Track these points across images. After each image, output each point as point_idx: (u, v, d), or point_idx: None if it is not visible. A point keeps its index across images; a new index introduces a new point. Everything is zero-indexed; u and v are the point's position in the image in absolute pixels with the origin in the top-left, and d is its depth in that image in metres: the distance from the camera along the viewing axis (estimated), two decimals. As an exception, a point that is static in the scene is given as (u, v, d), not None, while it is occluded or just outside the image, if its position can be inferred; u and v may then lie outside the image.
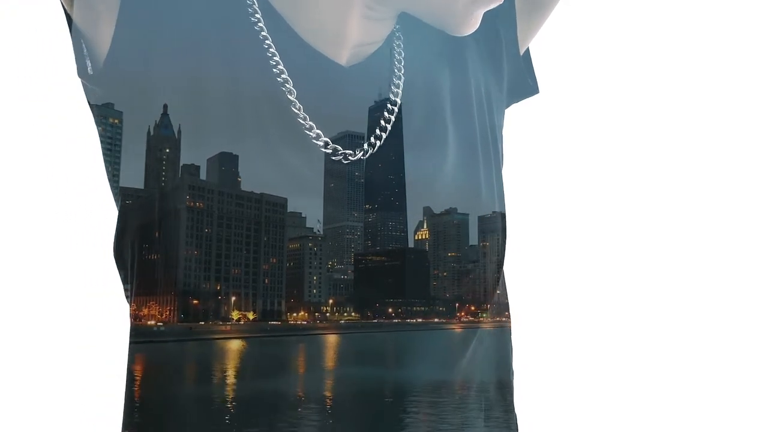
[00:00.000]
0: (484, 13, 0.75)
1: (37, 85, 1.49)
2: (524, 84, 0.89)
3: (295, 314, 0.75)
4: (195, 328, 0.72)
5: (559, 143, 1.93)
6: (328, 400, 0.70)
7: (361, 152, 0.74)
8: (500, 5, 0.73)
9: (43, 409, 1.50)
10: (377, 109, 0.76)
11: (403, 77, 0.78)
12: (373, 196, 0.77)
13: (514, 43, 0.86)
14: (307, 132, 0.72)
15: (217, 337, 0.72)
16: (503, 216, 0.83)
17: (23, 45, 1.48)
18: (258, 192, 0.73)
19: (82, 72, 0.75)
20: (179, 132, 0.73)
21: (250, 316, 0.73)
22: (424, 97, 0.79)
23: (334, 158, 0.73)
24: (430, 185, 0.78)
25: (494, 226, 0.82)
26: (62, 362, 1.52)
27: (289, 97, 0.72)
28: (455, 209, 0.81)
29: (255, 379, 0.72)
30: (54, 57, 1.42)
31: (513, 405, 0.82)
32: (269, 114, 0.72)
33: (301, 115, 0.72)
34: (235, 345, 0.73)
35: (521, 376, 0.83)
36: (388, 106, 0.76)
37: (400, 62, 0.79)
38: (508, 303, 0.85)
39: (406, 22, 0.80)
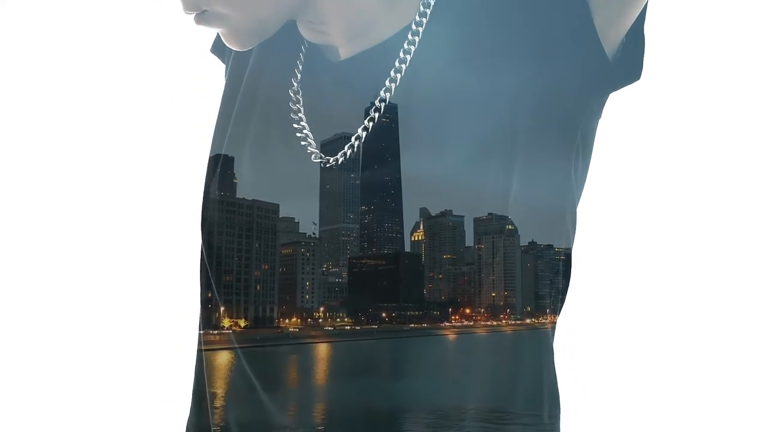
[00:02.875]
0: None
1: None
2: (612, 74, 0.75)
3: (287, 320, 0.75)
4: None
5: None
6: (320, 428, 0.69)
7: (342, 156, 0.72)
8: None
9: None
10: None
11: (399, 77, 0.73)
12: (369, 198, 0.76)
13: (588, 36, 0.73)
14: (301, 134, 0.71)
15: (210, 348, 0.71)
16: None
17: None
18: (250, 198, 0.73)
19: (215, 48, 0.81)
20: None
21: (242, 323, 0.72)
22: (428, 96, 0.77)
23: (315, 161, 0.72)
24: (427, 186, 0.77)
25: (490, 228, 0.81)
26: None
27: (291, 95, 0.73)
28: (450, 211, 0.80)
29: (241, 404, 0.71)
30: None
31: None
32: (277, 117, 0.73)
33: (296, 118, 0.71)
34: (223, 358, 0.72)
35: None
36: (376, 104, 0.73)
37: (404, 60, 0.73)
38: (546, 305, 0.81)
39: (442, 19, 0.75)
